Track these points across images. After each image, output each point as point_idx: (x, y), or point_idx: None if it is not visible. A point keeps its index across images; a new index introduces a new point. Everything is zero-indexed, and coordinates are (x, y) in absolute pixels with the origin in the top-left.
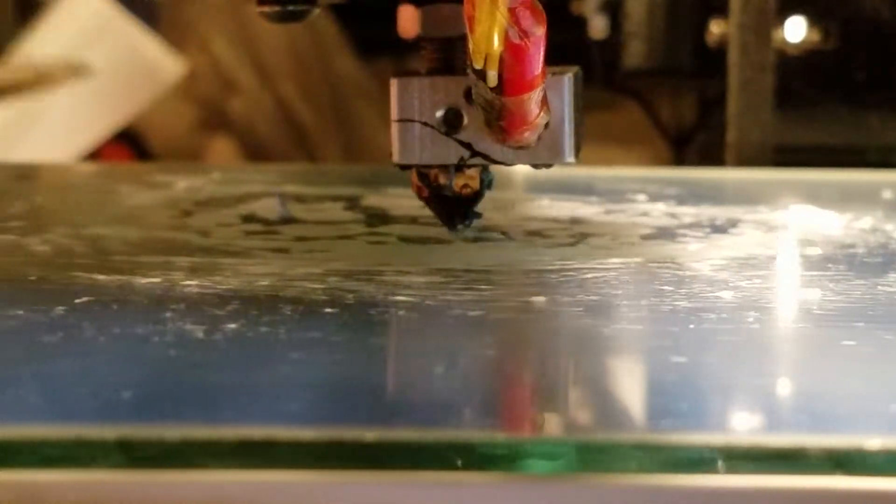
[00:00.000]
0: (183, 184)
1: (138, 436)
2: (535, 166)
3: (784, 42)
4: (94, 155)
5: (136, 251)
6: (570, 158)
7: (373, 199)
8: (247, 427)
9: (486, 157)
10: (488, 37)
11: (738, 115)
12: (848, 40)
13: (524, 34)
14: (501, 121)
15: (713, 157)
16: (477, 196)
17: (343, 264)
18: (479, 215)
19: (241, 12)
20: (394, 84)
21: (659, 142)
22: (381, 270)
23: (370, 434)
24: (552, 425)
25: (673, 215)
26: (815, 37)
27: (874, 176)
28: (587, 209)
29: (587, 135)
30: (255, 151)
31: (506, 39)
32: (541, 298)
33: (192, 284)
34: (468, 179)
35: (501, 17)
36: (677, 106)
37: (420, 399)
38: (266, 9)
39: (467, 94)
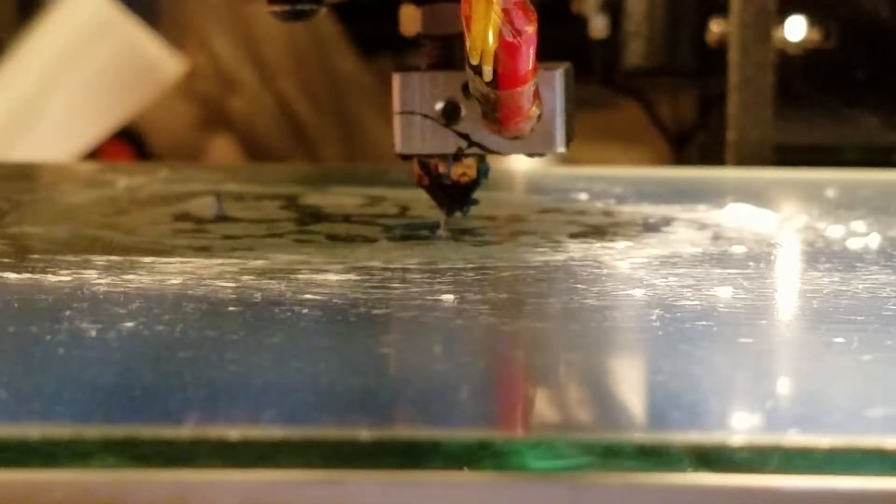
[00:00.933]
0: (124, 182)
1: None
2: (529, 155)
3: (784, 41)
4: (95, 154)
5: (57, 250)
6: (562, 148)
7: (312, 198)
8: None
9: (482, 146)
10: (484, 35)
11: (738, 114)
12: (848, 40)
13: (517, 32)
14: (497, 113)
15: (713, 156)
16: (474, 184)
17: (262, 263)
18: (475, 202)
19: (241, 11)
20: (396, 78)
21: (659, 141)
22: (298, 269)
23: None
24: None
25: (609, 213)
26: (816, 36)
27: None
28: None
29: (587, 134)
30: (255, 150)
31: (500, 37)
32: (449, 297)
33: (100, 283)
34: (466, 168)
35: (496, 16)
36: (677, 105)
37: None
38: (276, 8)
39: (465, 88)
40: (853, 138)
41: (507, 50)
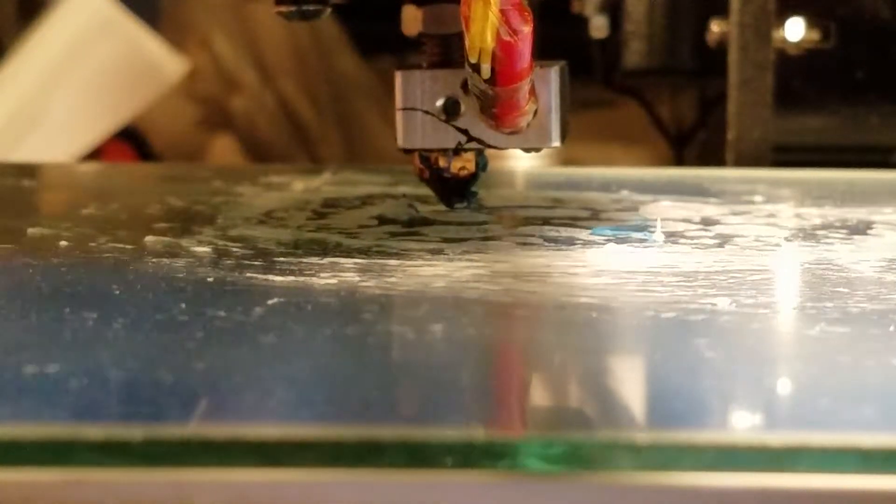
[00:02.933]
0: (300, 185)
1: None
2: (526, 150)
3: (784, 41)
4: (96, 154)
5: (293, 252)
6: (557, 143)
7: (493, 200)
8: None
9: (481, 141)
10: (482, 34)
11: (738, 114)
12: (848, 40)
13: (514, 32)
14: (494, 109)
15: (713, 156)
16: (473, 177)
17: (506, 266)
18: (475, 194)
19: (242, 11)
20: (398, 76)
21: (659, 141)
22: (547, 272)
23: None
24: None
25: (799, 216)
26: (816, 36)
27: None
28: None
29: (587, 134)
30: (256, 150)
31: (497, 37)
32: (725, 301)
33: (368, 286)
34: (465, 162)
35: (493, 17)
36: (677, 105)
37: None
38: (283, 9)
39: (464, 85)
40: (853, 138)
41: (504, 49)
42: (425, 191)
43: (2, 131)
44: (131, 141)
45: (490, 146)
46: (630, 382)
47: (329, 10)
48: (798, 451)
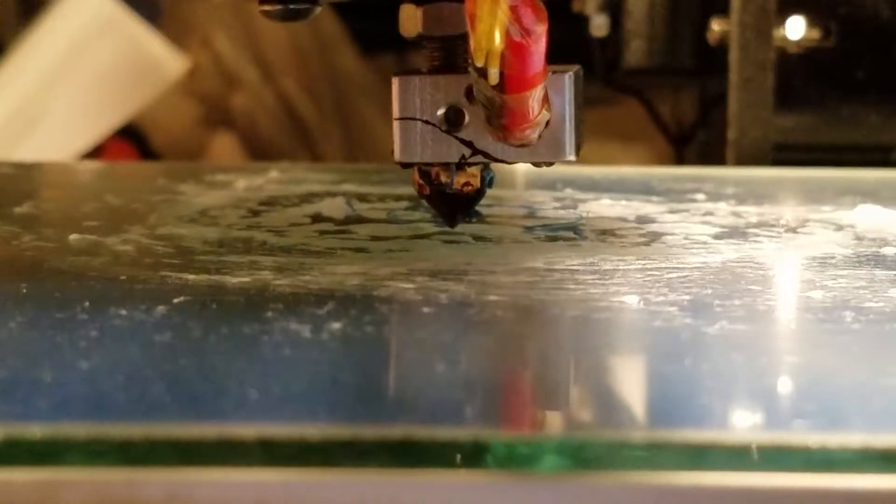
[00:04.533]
0: (243, 183)
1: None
2: (536, 164)
3: (785, 40)
4: (97, 152)
5: (217, 251)
6: (571, 156)
7: None
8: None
9: (487, 155)
10: (489, 34)
11: (738, 113)
12: (848, 39)
13: (525, 32)
14: (502, 119)
15: (713, 155)
16: (478, 194)
17: (428, 265)
18: (480, 213)
19: (242, 9)
20: (395, 83)
21: (659, 140)
22: (466, 270)
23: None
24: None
25: (738, 214)
26: (816, 35)
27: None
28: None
29: (587, 133)
30: (257, 148)
31: (507, 37)
32: (633, 298)
33: (281, 284)
34: (469, 177)
35: (503, 14)
36: (678, 104)
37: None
38: (267, 7)
39: (468, 93)
40: (854, 137)
41: (514, 51)
42: (368, 188)
43: (2, 130)
44: (132, 139)
45: (497, 160)
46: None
47: (318, 9)
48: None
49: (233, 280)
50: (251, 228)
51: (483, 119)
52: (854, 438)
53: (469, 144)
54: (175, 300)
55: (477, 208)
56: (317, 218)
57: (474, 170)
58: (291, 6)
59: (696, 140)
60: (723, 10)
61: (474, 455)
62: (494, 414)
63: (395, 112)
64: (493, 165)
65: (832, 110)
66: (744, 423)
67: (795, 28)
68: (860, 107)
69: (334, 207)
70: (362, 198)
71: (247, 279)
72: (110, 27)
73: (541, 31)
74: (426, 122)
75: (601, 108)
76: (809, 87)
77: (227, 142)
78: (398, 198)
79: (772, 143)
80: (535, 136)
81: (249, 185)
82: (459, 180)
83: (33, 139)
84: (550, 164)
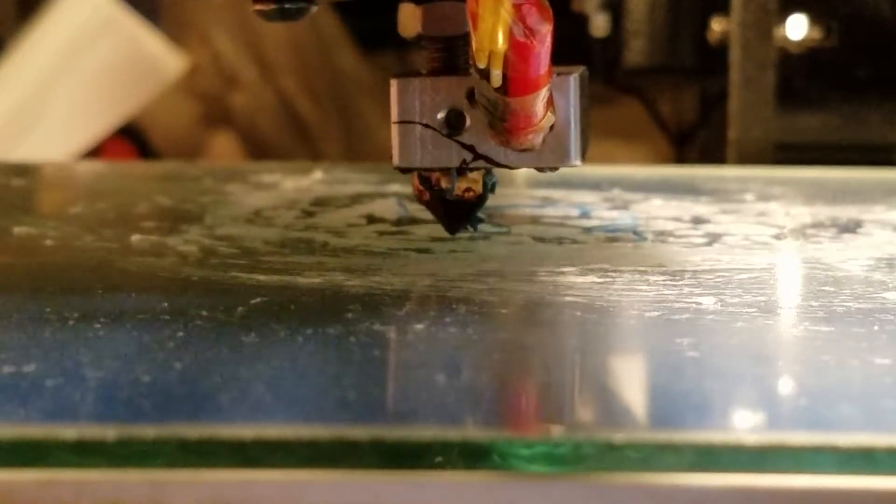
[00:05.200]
0: (290, 184)
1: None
2: (540, 169)
3: (785, 40)
4: (97, 151)
5: (280, 252)
6: (577, 161)
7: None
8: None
9: (488, 159)
10: (492, 34)
11: (739, 112)
12: (849, 38)
13: (530, 32)
14: (505, 122)
15: (714, 154)
16: (480, 200)
17: (494, 265)
18: (482, 220)
19: (242, 8)
20: (394, 85)
21: (660, 139)
22: (535, 270)
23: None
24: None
25: (789, 214)
26: (817, 34)
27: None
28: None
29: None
30: (256, 147)
31: (510, 37)
32: (710, 300)
33: (354, 284)
34: (471, 183)
35: (506, 13)
36: (679, 103)
37: None
38: (261, 7)
39: (470, 95)
40: (855, 137)
41: (518, 52)
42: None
43: (2, 129)
44: (131, 138)
45: (499, 165)
46: (619, 382)
47: (314, 8)
48: (780, 450)
49: (305, 281)
50: (309, 230)
51: (485, 123)
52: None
53: (470, 149)
54: (252, 301)
55: (479, 215)
56: (371, 219)
57: (476, 175)
58: (287, 5)
59: (697, 139)
60: (723, 9)
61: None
62: (500, 416)
63: (394, 115)
64: (495, 170)
65: (833, 109)
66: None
67: (796, 27)
68: (861, 106)
69: (387, 208)
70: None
71: (318, 280)
72: (109, 26)
73: (546, 30)
74: (426, 125)
75: (601, 108)
76: (810, 87)
77: (227, 141)
78: None
79: (772, 143)
80: (539, 140)
81: (297, 185)
82: (460, 186)
83: (33, 138)
84: (555, 169)
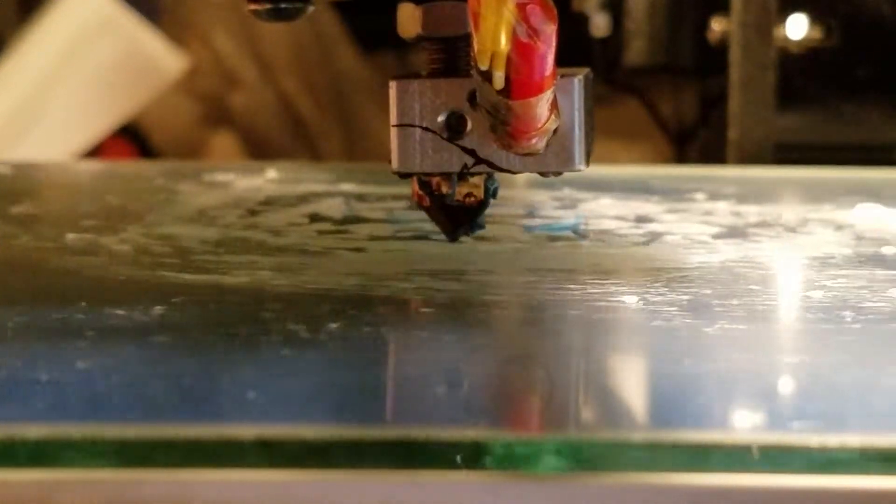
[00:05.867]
0: (243, 183)
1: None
2: (543, 174)
3: (786, 39)
4: (96, 151)
5: (215, 251)
6: (581, 166)
7: None
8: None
9: (490, 164)
10: (494, 35)
11: (739, 112)
12: (850, 38)
13: (533, 32)
14: (508, 126)
15: (714, 154)
16: (481, 205)
17: (427, 265)
18: (482, 226)
19: (242, 7)
20: (393, 87)
21: (660, 139)
22: (466, 270)
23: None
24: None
25: (737, 214)
26: (817, 34)
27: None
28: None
29: None
30: (256, 146)
31: (514, 37)
32: (633, 298)
33: (280, 284)
34: (472, 188)
35: (509, 13)
36: (679, 103)
37: None
38: (256, 7)
39: (471, 98)
40: (855, 137)
41: (521, 53)
42: (366, 189)
43: (2, 129)
44: (131, 138)
45: (501, 169)
46: (513, 380)
47: (310, 8)
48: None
49: (232, 280)
50: (249, 229)
51: (487, 126)
52: (853, 439)
53: (472, 153)
54: (174, 300)
55: (479, 220)
56: (315, 218)
57: (477, 180)
58: (282, 5)
59: (697, 139)
60: (723, 9)
61: (474, 455)
62: (495, 414)
63: (393, 118)
64: (497, 175)
65: (833, 110)
66: (743, 424)
67: (796, 27)
68: (862, 106)
69: (333, 207)
70: (361, 198)
71: (245, 279)
72: (109, 26)
73: (550, 31)
74: (426, 129)
75: (601, 108)
76: (810, 87)
77: (227, 140)
78: (397, 197)
79: (773, 143)
80: (542, 144)
81: (248, 185)
82: (461, 191)
83: (32, 138)
84: (558, 173)
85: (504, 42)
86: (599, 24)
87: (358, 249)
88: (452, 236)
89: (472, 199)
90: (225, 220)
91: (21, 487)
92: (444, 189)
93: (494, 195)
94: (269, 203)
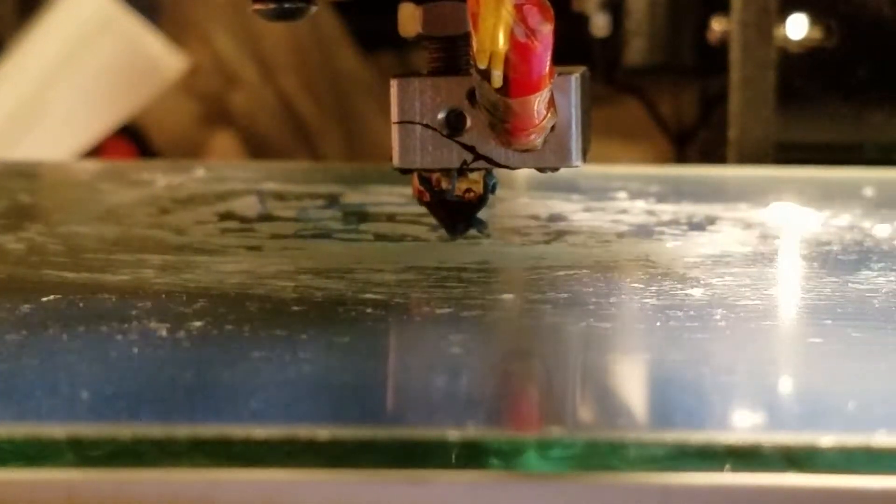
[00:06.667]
0: (163, 181)
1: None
2: (541, 170)
3: (786, 39)
4: (96, 151)
5: (109, 249)
6: (578, 162)
7: (354, 197)
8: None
9: (489, 160)
10: (493, 35)
11: (739, 112)
12: (850, 37)
13: (531, 32)
14: (506, 123)
15: (715, 154)
16: (481, 201)
17: (316, 263)
18: (482, 221)
19: (242, 7)
20: (394, 85)
21: (660, 139)
22: (354, 268)
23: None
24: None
25: (651, 212)
26: (817, 34)
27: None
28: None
29: None
30: (256, 146)
31: (512, 37)
32: (510, 296)
33: (160, 282)
34: (472, 184)
35: (507, 13)
36: (679, 103)
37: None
38: (260, 6)
39: (470, 95)
40: (855, 136)
41: (519, 52)
42: (288, 187)
43: (2, 129)
44: (131, 138)
45: (500, 166)
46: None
47: (313, 8)
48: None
49: (112, 278)
50: (154, 227)
51: (485, 123)
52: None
53: (471, 149)
54: (44, 298)
55: (479, 216)
56: (225, 216)
57: (476, 176)
58: (286, 5)
59: (697, 139)
60: (723, 8)
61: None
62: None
63: (394, 115)
64: (496, 171)
65: (834, 109)
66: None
67: (796, 27)
68: (862, 106)
69: (248, 205)
70: (280, 196)
71: (126, 277)
72: (109, 25)
73: (547, 31)
74: (426, 126)
75: (601, 107)
76: (810, 87)
77: (227, 140)
78: (315, 196)
79: (773, 143)
80: (540, 141)
81: (169, 182)
82: (461, 187)
83: (33, 137)
84: (556, 169)
85: (502, 42)
86: (599, 24)
87: (253, 248)
88: (452, 231)
89: (472, 194)
90: (133, 219)
91: (109, 485)
92: (444, 185)
93: (493, 191)
94: (184, 202)
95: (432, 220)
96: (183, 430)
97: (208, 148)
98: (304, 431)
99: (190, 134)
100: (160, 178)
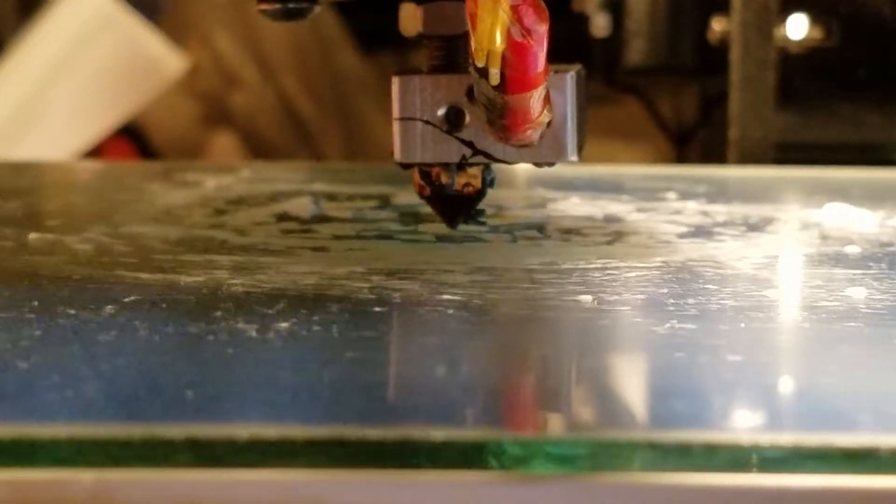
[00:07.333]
0: (213, 182)
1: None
2: (538, 165)
3: (786, 39)
4: (97, 151)
5: (175, 250)
6: (573, 157)
7: (403, 198)
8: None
9: (488, 155)
10: (490, 34)
11: (739, 112)
12: (850, 37)
13: (527, 32)
14: (504, 119)
15: (715, 154)
16: (479, 195)
17: (385, 264)
18: (482, 213)
19: (243, 7)
20: (395, 82)
21: (661, 139)
22: (424, 269)
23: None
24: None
25: (705, 213)
26: (817, 34)
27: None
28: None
29: (589, 132)
30: (257, 146)
31: (508, 37)
32: (587, 297)
33: (236, 283)
34: (470, 178)
35: (504, 14)
36: (679, 103)
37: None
38: (266, 7)
39: (469, 93)
40: (855, 136)
41: (515, 51)
42: (336, 188)
43: (2, 129)
44: (131, 138)
45: (498, 160)
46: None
47: (317, 8)
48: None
49: (187, 279)
50: (214, 228)
51: (484, 119)
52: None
53: (470, 145)
54: (126, 299)
55: (480, 208)
56: (282, 217)
57: (475, 170)
58: (291, 5)
59: (697, 139)
60: (724, 9)
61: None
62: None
63: (396, 112)
64: (494, 165)
65: (834, 109)
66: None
67: (796, 27)
68: (862, 106)
69: (301, 206)
70: (331, 197)
71: (201, 278)
72: (110, 25)
73: (542, 30)
74: (427, 122)
75: (602, 108)
76: (811, 86)
77: (227, 140)
78: (367, 197)
79: (773, 143)
80: (536, 136)
81: (219, 184)
82: (460, 181)
83: (33, 138)
84: (552, 164)
85: (499, 41)
86: (599, 24)
87: (319, 249)
88: (452, 224)
89: (471, 188)
90: (191, 220)
91: (226, 486)
92: (444, 179)
93: (492, 185)
94: (238, 202)
95: (491, 222)
96: (297, 431)
97: (208, 148)
98: (417, 433)
99: (190, 134)
100: (209, 179)
